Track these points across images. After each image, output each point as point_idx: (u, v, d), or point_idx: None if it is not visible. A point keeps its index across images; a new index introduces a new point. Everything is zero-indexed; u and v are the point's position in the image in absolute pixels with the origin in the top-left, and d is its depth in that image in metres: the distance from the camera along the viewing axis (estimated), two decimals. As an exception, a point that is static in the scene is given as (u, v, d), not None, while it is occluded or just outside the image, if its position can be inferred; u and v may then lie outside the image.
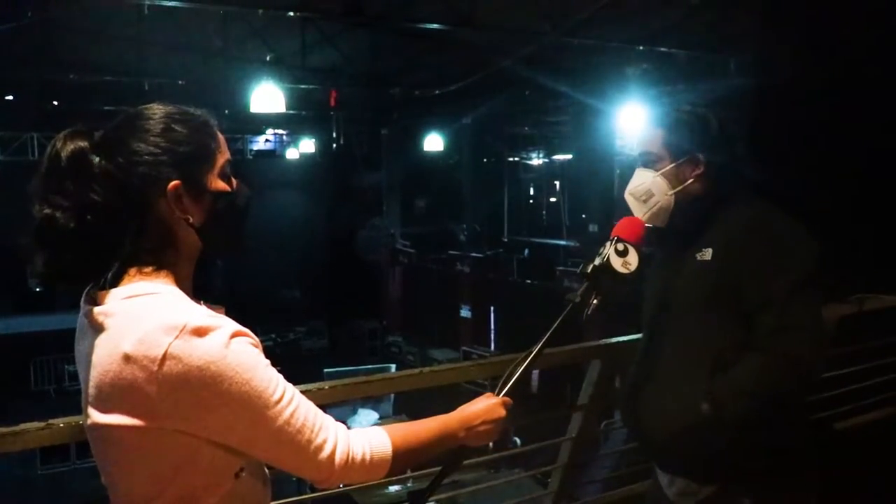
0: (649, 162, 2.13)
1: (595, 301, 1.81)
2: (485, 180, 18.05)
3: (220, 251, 1.47)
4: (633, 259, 1.85)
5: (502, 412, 1.63)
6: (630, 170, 2.21)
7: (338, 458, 1.33)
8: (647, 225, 2.07)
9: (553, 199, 19.75)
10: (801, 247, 2.01)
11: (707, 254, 2.05)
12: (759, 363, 1.95)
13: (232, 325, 1.27)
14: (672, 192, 2.09)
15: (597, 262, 1.85)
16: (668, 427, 2.06)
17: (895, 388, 3.66)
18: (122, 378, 1.21)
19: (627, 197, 2.16)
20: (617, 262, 1.84)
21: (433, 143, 17.26)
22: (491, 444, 1.78)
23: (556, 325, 1.76)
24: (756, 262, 1.98)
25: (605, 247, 1.87)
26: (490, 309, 17.01)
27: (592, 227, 13.43)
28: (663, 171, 2.10)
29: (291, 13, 8.31)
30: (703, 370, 2.01)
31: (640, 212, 2.11)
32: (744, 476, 2.04)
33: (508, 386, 1.69)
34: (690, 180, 2.10)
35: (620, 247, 1.86)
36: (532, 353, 1.75)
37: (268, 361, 1.29)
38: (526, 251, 17.20)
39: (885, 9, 6.93)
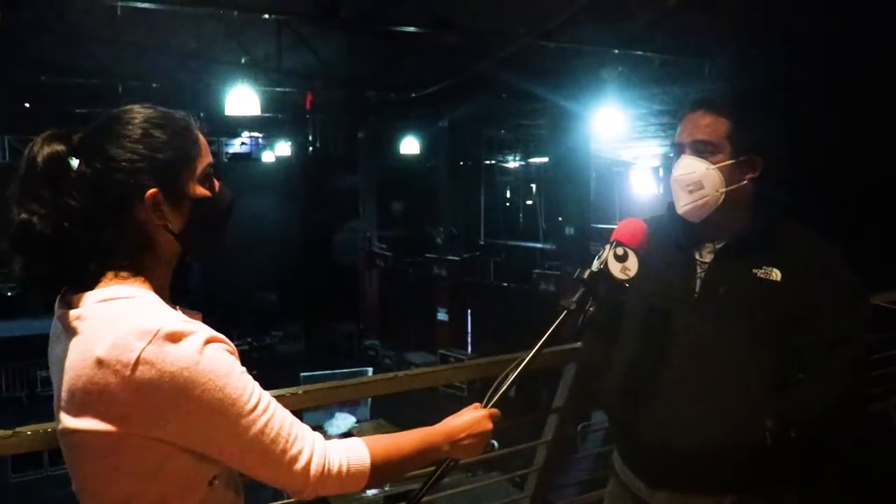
0: (703, 152, 1.99)
1: (591, 308, 1.71)
2: (461, 183, 18.02)
3: (200, 255, 1.45)
4: (632, 265, 1.75)
5: (489, 425, 1.59)
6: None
7: (313, 468, 1.32)
8: (685, 216, 2.02)
9: (529, 203, 19.77)
10: (859, 283, 2.00)
11: (773, 274, 1.96)
12: (836, 390, 1.94)
13: (207, 331, 1.25)
14: (724, 189, 1.97)
15: (594, 266, 1.75)
16: (711, 443, 1.97)
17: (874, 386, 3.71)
18: (94, 383, 1.19)
19: (672, 183, 2.04)
20: (616, 268, 1.74)
21: (409, 146, 17.22)
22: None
23: (548, 333, 1.68)
24: (837, 297, 1.95)
25: (603, 250, 1.78)
26: (467, 312, 16.99)
27: (569, 230, 13.44)
28: (720, 165, 1.97)
29: (267, 15, 8.26)
30: (755, 386, 1.95)
31: (682, 201, 2.01)
32: (765, 484, 2.02)
33: (497, 397, 1.63)
34: (744, 182, 2.00)
35: (620, 251, 1.76)
36: (522, 362, 1.68)
37: (243, 369, 1.28)
38: (502, 254, 17.21)
39: (861, 10, 7.00)
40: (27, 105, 12.79)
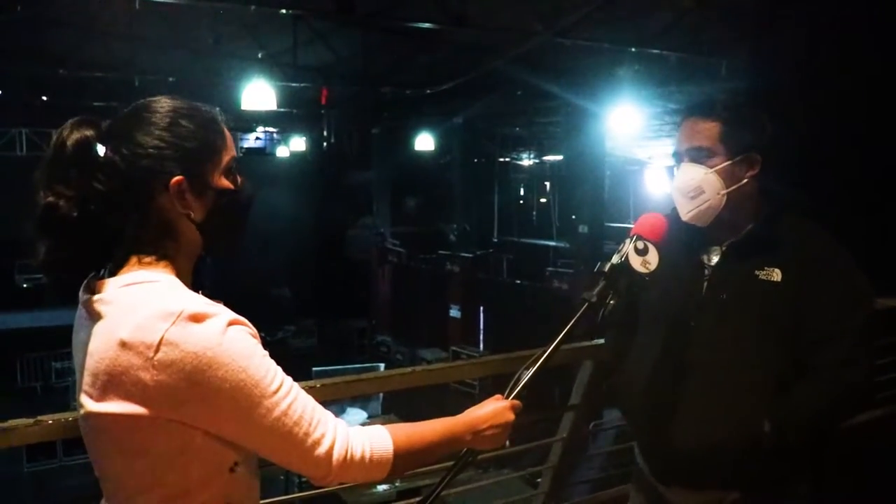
0: (700, 157, 1.99)
1: (612, 301, 1.71)
2: (475, 180, 18.03)
3: (219, 248, 1.45)
4: (652, 258, 1.76)
5: (511, 416, 1.58)
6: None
7: (336, 454, 1.31)
8: (690, 221, 2.02)
9: (543, 200, 19.77)
10: (866, 282, 1.99)
11: (774, 274, 1.97)
12: (829, 392, 1.95)
13: (229, 314, 1.26)
14: (725, 191, 1.97)
15: (615, 260, 1.75)
16: (712, 442, 1.98)
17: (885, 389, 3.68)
18: (117, 365, 1.20)
19: (673, 192, 2.05)
20: (636, 261, 1.74)
21: (424, 142, 17.23)
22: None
23: (569, 325, 1.69)
24: (832, 295, 1.94)
25: (623, 244, 1.78)
26: (479, 309, 17.00)
27: (582, 228, 13.43)
28: (717, 168, 1.98)
29: (283, 10, 8.29)
30: (757, 388, 1.97)
31: (685, 208, 2.02)
32: (769, 483, 2.03)
33: (518, 389, 1.63)
34: (745, 181, 2.00)
35: (640, 245, 1.76)
36: (544, 354, 1.68)
37: (265, 352, 1.28)
38: (516, 252, 17.21)
39: (881, 9, 6.91)
40: (44, 98, 12.87)
